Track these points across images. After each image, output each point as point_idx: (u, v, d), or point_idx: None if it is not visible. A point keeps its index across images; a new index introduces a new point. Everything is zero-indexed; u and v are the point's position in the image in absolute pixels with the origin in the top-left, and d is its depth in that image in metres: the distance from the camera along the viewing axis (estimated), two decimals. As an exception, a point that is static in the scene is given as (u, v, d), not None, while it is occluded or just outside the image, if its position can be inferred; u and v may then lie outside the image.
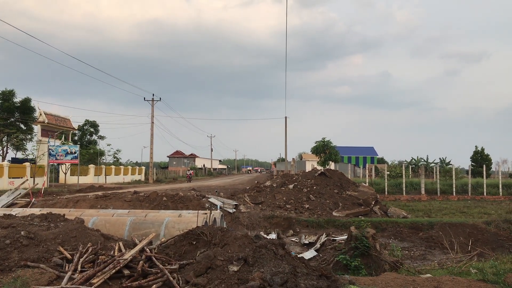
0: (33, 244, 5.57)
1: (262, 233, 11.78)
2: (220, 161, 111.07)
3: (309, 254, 8.97)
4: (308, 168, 48.58)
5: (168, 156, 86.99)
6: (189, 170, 41.48)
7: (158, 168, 74.34)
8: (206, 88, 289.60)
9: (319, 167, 24.82)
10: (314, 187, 17.04)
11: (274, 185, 18.21)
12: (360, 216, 14.25)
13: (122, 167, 40.07)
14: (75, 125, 40.57)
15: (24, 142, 35.54)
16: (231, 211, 13.47)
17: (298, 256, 5.76)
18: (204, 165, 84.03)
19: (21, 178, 24.36)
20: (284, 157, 58.60)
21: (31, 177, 24.82)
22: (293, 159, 43.83)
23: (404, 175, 26.01)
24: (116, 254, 5.43)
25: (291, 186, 17.41)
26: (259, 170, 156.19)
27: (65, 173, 29.82)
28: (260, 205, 15.19)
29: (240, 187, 25.39)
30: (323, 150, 26.11)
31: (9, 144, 34.81)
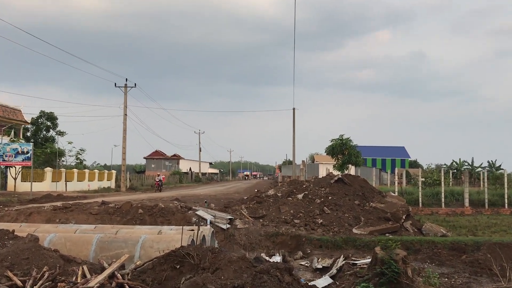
0: (-26, 267, 5.57)
1: (263, 255, 11.80)
2: (210, 164, 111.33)
3: (323, 281, 8.98)
4: (322, 173, 48.64)
5: (145, 158, 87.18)
6: (158, 176, 40.11)
7: (133, 173, 74.47)
8: (194, 72, 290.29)
9: (335, 172, 24.85)
10: (330, 197, 17.05)
11: (279, 194, 18.22)
12: (387, 234, 14.26)
13: (87, 171, 40.15)
14: (28, 118, 40.71)
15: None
16: (224, 227, 13.50)
17: (309, 284, 5.77)
18: (190, 169, 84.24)
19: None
20: (291, 159, 58.88)
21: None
22: (302, 161, 43.98)
23: (443, 183, 26.02)
24: (79, 280, 5.44)
25: (300, 196, 17.41)
26: (257, 176, 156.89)
27: (15, 178, 29.80)
28: (261, 220, 15.21)
29: (236, 197, 25.45)
30: (341, 150, 26.10)
31: None
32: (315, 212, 15.84)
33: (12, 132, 34.59)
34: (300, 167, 41.74)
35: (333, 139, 26.36)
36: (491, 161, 64.11)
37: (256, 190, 25.13)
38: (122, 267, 6.20)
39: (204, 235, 9.43)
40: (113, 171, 45.46)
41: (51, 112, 46.39)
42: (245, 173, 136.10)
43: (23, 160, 27.50)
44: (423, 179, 28.36)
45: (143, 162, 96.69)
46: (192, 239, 8.52)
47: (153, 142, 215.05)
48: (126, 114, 39.18)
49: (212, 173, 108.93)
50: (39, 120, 46.29)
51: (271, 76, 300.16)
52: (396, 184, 26.69)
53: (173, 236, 8.68)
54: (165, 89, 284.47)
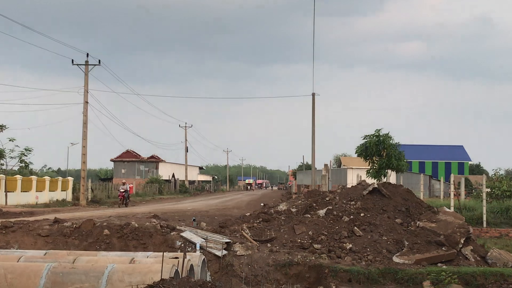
0: None
1: (272, 291, 11.82)
2: (201, 168, 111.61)
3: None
4: (351, 180, 48.65)
5: (113, 160, 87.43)
6: (123, 184, 38.69)
7: (96, 180, 74.64)
8: (178, 46, 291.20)
9: (369, 180, 24.76)
10: (362, 214, 17.05)
11: (293, 209, 18.21)
12: (439, 264, 14.25)
13: (34, 178, 40.36)
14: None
15: None
16: (219, 253, 13.52)
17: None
18: (173, 176, 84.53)
19: None
20: (310, 162, 58.48)
21: None
22: (325, 166, 43.94)
23: (516, 195, 25.90)
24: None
25: (322, 212, 17.42)
26: (264, 185, 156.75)
27: None
28: (269, 244, 15.24)
29: (235, 213, 25.44)
30: (377, 150, 25.92)
31: None
32: (342, 234, 15.82)
33: None
34: (322, 173, 41.70)
35: (366, 136, 26.15)
36: None
37: (262, 204, 25.14)
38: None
39: (192, 265, 9.46)
40: (69, 178, 45.63)
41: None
42: (247, 181, 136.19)
43: None
44: (489, 190, 28.20)
45: (110, 166, 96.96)
46: (176, 270, 8.54)
47: (123, 139, 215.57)
48: (87, 102, 39.33)
49: (203, 181, 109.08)
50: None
51: (282, 50, 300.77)
52: (452, 196, 26.59)
53: (150, 266, 8.71)
54: (140, 69, 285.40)
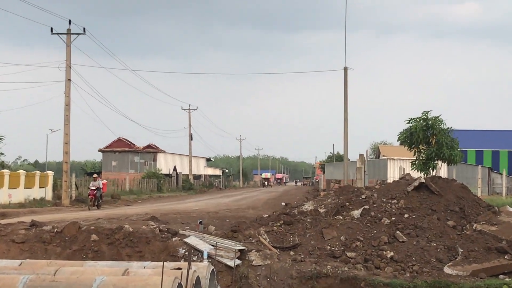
0: None
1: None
2: (208, 160, 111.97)
3: None
4: (393, 174, 48.46)
5: (101, 150, 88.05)
6: (95, 179, 37.20)
7: (82, 175, 75.07)
8: (178, 10, 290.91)
9: (415, 174, 24.64)
10: (406, 215, 16.99)
11: (322, 210, 18.19)
12: (501, 276, 14.17)
13: (6, 172, 40.68)
14: None
15: None
16: (231, 263, 13.54)
17: None
18: (175, 169, 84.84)
19: None
20: (341, 152, 57.85)
21: None
22: (360, 156, 43.58)
23: None
24: None
25: (356, 213, 17.38)
26: (284, 180, 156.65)
27: None
28: (292, 252, 15.25)
29: (250, 215, 25.46)
30: (425, 137, 25.79)
31: None
32: (382, 239, 15.77)
33: None
34: (357, 166, 41.34)
35: (411, 119, 25.96)
36: None
37: (283, 204, 25.15)
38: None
39: (198, 277, 9.46)
40: (49, 172, 45.84)
41: None
42: (263, 175, 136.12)
43: None
44: None
45: (98, 157, 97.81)
46: (179, 284, 8.54)
47: (114, 125, 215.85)
48: (69, 79, 39.53)
49: (211, 176, 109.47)
50: None
51: (307, 14, 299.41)
52: (517, 193, 26.40)
53: (147, 279, 8.71)
54: (133, 39, 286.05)
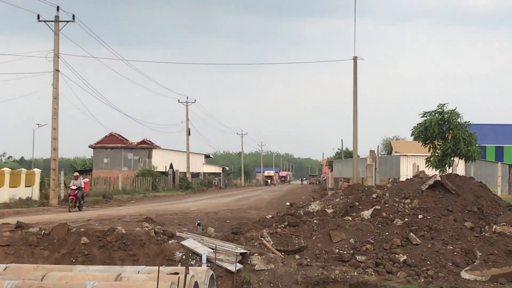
0: None
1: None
2: (207, 156, 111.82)
3: None
4: (406, 172, 48.36)
5: (92, 147, 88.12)
6: (76, 178, 35.58)
7: (72, 172, 75.13)
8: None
9: (429, 171, 24.70)
10: (420, 216, 16.98)
11: (329, 210, 18.21)
12: (523, 282, 14.15)
13: (-11, 170, 40.73)
14: None
15: None
16: (232, 268, 13.58)
17: None
18: (171, 166, 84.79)
19: None
20: (350, 148, 57.36)
21: None
22: (371, 152, 43.66)
23: None
24: None
25: (367, 214, 17.39)
26: (288, 178, 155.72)
27: None
28: (297, 256, 15.28)
29: (253, 215, 25.47)
30: (441, 132, 25.82)
31: None
32: (394, 242, 15.78)
33: None
34: (367, 163, 41.33)
35: (426, 112, 25.97)
36: None
37: (288, 204, 25.20)
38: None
39: (196, 282, 9.51)
40: (36, 170, 45.87)
41: None
42: (266, 173, 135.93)
43: None
44: None
45: (89, 154, 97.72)
46: (176, 289, 8.57)
47: (106, 119, 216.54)
48: (58, 70, 39.61)
49: (210, 174, 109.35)
50: None
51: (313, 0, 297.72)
52: (541, 192, 26.46)
53: (142, 285, 8.77)
54: (126, 27, 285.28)
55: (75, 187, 34.09)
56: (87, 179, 38.13)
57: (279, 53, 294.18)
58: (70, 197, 34.19)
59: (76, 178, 35.39)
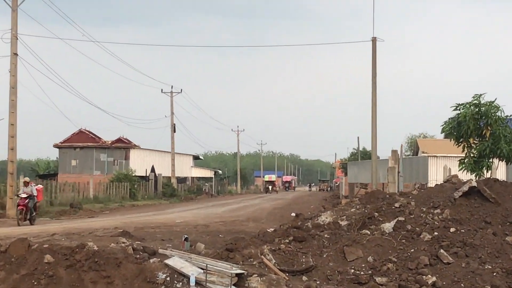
0: None
1: None
2: (197, 158, 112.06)
3: None
4: (435, 175, 48.38)
5: (57, 146, 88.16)
6: (26, 185, 34.39)
7: (33, 177, 75.12)
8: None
9: (464, 176, 24.65)
10: (452, 229, 16.95)
11: (343, 222, 18.19)
12: None
13: None
14: None
15: None
16: (226, 292, 13.52)
17: None
18: (153, 170, 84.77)
19: None
20: (368, 148, 56.97)
21: None
22: (393, 152, 43.64)
23: None
24: None
25: (388, 227, 17.36)
26: (292, 183, 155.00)
27: None
28: (304, 277, 15.27)
29: (251, 229, 25.47)
30: (477, 128, 25.81)
31: None
32: (421, 260, 15.76)
33: None
34: (389, 165, 41.35)
35: (459, 105, 25.96)
36: None
37: (293, 215, 25.17)
38: None
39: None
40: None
41: None
42: (267, 177, 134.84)
43: None
44: None
45: (54, 155, 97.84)
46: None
47: (75, 113, 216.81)
48: (16, 54, 39.53)
49: (200, 179, 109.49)
50: None
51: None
52: None
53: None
54: (99, 2, 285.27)
55: (26, 196, 33.32)
56: (40, 186, 37.41)
57: (283, 33, 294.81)
58: (19, 207, 33.31)
59: (26, 184, 34.51)
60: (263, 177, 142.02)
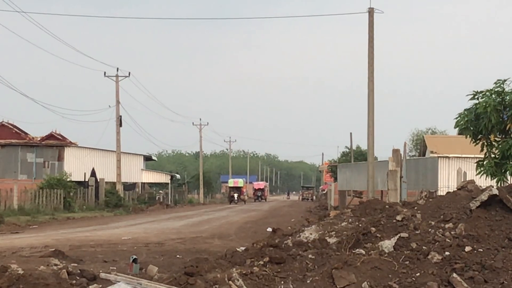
0: None
1: None
2: (148, 159, 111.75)
3: None
4: (446, 181, 48.71)
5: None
6: None
7: None
8: None
9: (482, 180, 24.81)
10: (467, 248, 17.00)
11: (332, 240, 18.27)
12: None
13: None
14: None
15: None
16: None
17: None
18: (93, 174, 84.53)
19: None
20: (363, 146, 57.39)
21: None
22: (395, 152, 43.84)
23: None
24: None
25: (388, 245, 17.43)
26: (264, 191, 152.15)
27: None
28: (282, 308, 15.27)
29: (216, 248, 25.54)
30: (499, 122, 25.95)
31: None
32: (430, 286, 15.84)
33: None
34: (389, 168, 41.54)
35: (477, 92, 26.10)
36: None
37: (269, 230, 25.22)
38: None
39: None
40: None
41: None
42: (231, 182, 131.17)
43: None
44: None
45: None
46: None
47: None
48: None
49: (153, 185, 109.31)
50: None
51: None
52: None
53: None
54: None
55: None
56: None
57: (259, 4, 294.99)
58: None
59: None
60: (228, 182, 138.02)
